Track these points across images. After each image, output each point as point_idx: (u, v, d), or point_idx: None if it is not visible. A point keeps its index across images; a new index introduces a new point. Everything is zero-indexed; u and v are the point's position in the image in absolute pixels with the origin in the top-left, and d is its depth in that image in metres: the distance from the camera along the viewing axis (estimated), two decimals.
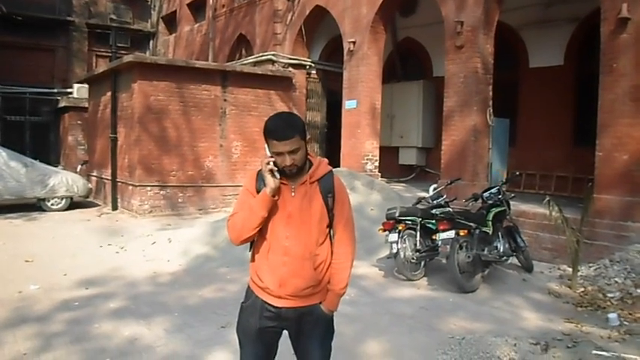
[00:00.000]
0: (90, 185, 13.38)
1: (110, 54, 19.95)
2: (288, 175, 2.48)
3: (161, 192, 11.60)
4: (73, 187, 12.45)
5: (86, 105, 16.54)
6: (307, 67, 14.25)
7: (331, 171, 2.59)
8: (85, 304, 5.63)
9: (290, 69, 13.85)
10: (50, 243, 8.82)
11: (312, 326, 2.58)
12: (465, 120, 9.69)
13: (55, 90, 20.01)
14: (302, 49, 14.23)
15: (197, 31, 19.27)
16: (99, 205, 13.39)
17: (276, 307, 2.52)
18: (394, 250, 6.70)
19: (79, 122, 18.23)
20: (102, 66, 16.31)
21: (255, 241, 2.59)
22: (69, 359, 4.25)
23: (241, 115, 12.62)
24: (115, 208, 12.43)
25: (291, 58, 13.96)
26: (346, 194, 2.63)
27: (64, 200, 12.39)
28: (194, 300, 5.86)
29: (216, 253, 7.69)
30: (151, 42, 23.10)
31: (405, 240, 6.77)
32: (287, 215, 2.49)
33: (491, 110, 9.78)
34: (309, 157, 2.56)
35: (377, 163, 12.15)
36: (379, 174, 12.06)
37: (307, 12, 13.59)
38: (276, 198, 2.47)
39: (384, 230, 6.83)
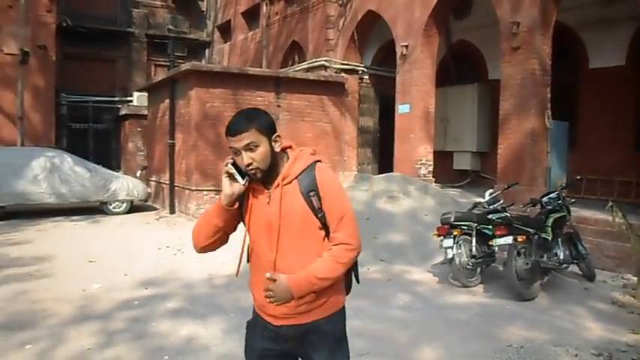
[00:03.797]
0: (149, 190, 13.84)
1: (168, 63, 20.64)
2: (255, 179, 2.18)
3: (217, 196, 11.76)
4: (134, 192, 12.92)
5: (145, 112, 17.15)
6: (359, 72, 14.27)
7: (313, 163, 2.21)
8: (144, 303, 5.83)
9: (342, 74, 13.91)
10: (112, 244, 9.17)
11: (318, 346, 2.26)
12: (522, 123, 9.44)
13: (116, 98, 20.82)
14: (354, 54, 14.25)
15: (251, 39, 19.63)
16: (157, 209, 13.82)
17: (275, 326, 2.24)
18: (449, 256, 6.59)
19: (138, 129, 18.88)
20: (160, 75, 16.84)
21: (249, 252, 2.35)
22: (130, 356, 4.40)
23: (294, 121, 12.77)
24: (172, 211, 12.80)
25: (343, 64, 14.02)
26: (335, 185, 2.21)
27: (124, 204, 12.87)
28: (249, 302, 5.89)
29: None
30: (207, 50, 23.70)
31: (460, 245, 6.65)
32: (266, 225, 2.19)
33: (550, 113, 9.50)
34: (288, 152, 2.25)
35: (431, 168, 12.00)
36: (433, 179, 11.90)
37: (359, 17, 13.61)
38: (235, 206, 2.21)
39: (439, 235, 6.73)
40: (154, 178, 15.00)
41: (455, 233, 6.60)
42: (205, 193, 11.73)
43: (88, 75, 20.44)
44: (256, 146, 2.10)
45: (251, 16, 20.19)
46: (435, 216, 7.99)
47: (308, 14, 15.63)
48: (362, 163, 14.45)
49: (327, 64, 13.97)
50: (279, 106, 12.58)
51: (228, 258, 7.81)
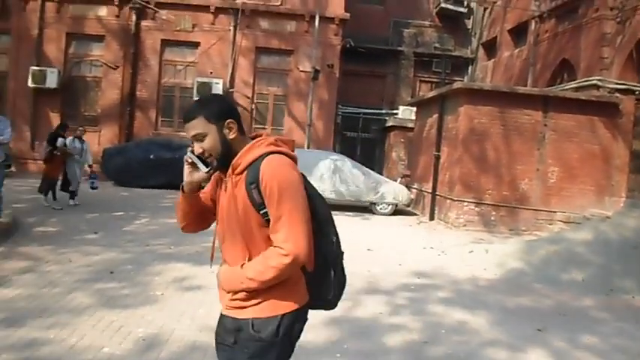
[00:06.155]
0: (412, 196, 15.19)
1: (434, 79, 22.09)
2: (215, 167, 2.14)
3: (476, 208, 12.57)
4: (398, 196, 14.41)
5: (409, 125, 18.64)
6: (637, 92, 13.47)
7: (265, 154, 2.03)
8: (418, 289, 6.91)
9: (616, 94, 13.32)
10: (383, 239, 10.58)
11: (241, 347, 2.06)
12: None
13: (384, 111, 22.91)
14: (632, 73, 13.50)
15: (517, 57, 19.71)
16: (416, 215, 15.08)
17: (222, 314, 2.17)
18: None
19: (401, 140, 20.58)
20: (424, 90, 18.18)
21: None
22: (413, 324, 5.47)
23: (560, 141, 12.74)
24: (432, 218, 13.89)
25: (618, 83, 13.39)
26: (277, 180, 1.97)
27: (390, 206, 14.43)
28: (511, 304, 6.61)
29: (530, 269, 8.25)
30: (470, 67, 24.38)
31: None
32: (220, 215, 2.17)
33: None
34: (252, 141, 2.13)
35: None
36: None
37: None
38: (198, 193, 2.25)
39: None
40: (415, 186, 16.31)
41: None
42: (466, 204, 12.52)
43: (361, 89, 22.84)
44: (204, 136, 2.06)
45: (518, 33, 20.24)
46: None
47: (581, 32, 15.24)
48: (633, 189, 13.57)
49: (599, 83, 13.51)
50: (545, 125, 12.71)
51: (488, 265, 8.57)
